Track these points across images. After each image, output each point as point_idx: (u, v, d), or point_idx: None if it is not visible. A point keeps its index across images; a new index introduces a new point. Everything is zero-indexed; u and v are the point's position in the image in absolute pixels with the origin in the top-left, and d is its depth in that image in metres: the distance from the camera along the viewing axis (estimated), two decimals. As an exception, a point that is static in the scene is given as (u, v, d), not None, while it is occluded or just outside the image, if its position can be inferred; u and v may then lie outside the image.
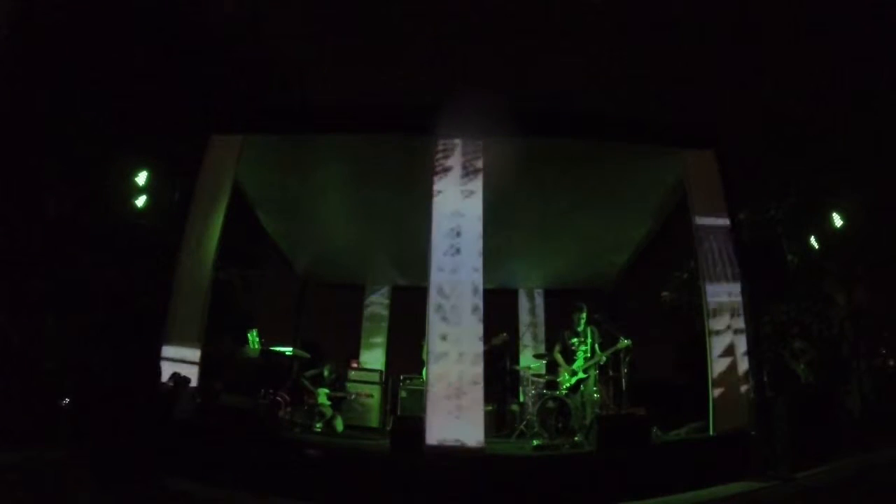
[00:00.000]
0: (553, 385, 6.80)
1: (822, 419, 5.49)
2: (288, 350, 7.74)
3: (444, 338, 5.32)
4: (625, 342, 6.30)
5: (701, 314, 5.78)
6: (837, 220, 9.82)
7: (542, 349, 9.15)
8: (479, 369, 5.23)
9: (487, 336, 5.73)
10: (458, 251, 5.57)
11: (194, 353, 5.49)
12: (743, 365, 5.45)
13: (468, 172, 5.84)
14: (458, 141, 5.95)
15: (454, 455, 4.83)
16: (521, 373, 8.31)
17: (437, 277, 5.50)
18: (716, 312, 5.65)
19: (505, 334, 7.91)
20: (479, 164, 5.86)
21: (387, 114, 6.41)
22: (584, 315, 6.45)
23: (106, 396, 5.33)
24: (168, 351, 5.49)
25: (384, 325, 10.09)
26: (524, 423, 6.98)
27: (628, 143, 6.31)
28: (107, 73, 9.49)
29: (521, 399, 8.24)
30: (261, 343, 7.23)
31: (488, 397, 5.78)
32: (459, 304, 5.41)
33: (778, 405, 5.39)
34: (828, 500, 4.34)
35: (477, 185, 5.79)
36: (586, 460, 5.02)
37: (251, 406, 6.00)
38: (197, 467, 4.54)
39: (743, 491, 4.46)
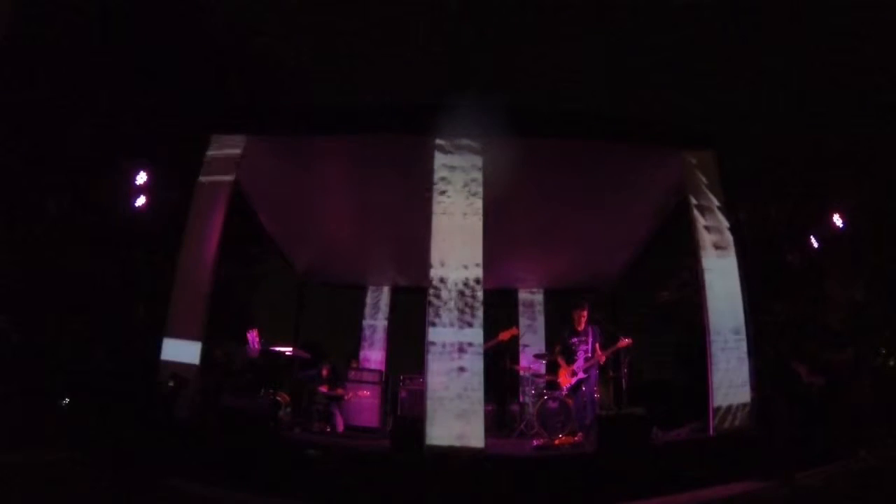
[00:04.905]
0: (553, 385, 6.80)
1: (822, 419, 5.48)
2: (288, 350, 7.74)
3: (443, 337, 5.32)
4: (625, 342, 6.31)
5: (701, 314, 5.78)
6: (837, 220, 9.82)
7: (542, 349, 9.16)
8: (479, 369, 5.23)
9: (487, 336, 5.72)
10: (458, 248, 5.57)
11: (194, 353, 5.49)
12: (743, 365, 5.45)
13: (469, 171, 5.84)
14: (457, 141, 5.95)
15: (454, 455, 4.83)
16: (521, 373, 8.31)
17: (436, 276, 5.50)
18: (716, 311, 5.65)
19: (515, 328, 7.88)
20: (480, 163, 5.87)
21: (387, 114, 6.41)
22: (585, 314, 6.45)
23: (106, 396, 5.33)
24: (168, 351, 5.49)
25: (384, 324, 10.09)
26: (524, 423, 6.98)
27: (628, 143, 6.31)
28: (107, 73, 9.50)
29: (521, 399, 8.25)
30: (261, 343, 7.23)
31: (488, 397, 5.78)
32: (459, 303, 5.41)
33: (778, 405, 5.39)
34: (828, 501, 4.33)
35: (477, 184, 5.79)
36: (586, 460, 5.02)
37: (251, 406, 6.00)
38: (197, 467, 4.53)
39: (743, 491, 4.45)
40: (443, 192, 5.76)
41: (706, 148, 6.25)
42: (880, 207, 11.31)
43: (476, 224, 5.64)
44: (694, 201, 6.04)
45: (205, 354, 5.60)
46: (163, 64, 10.07)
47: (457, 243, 5.59)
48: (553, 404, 6.24)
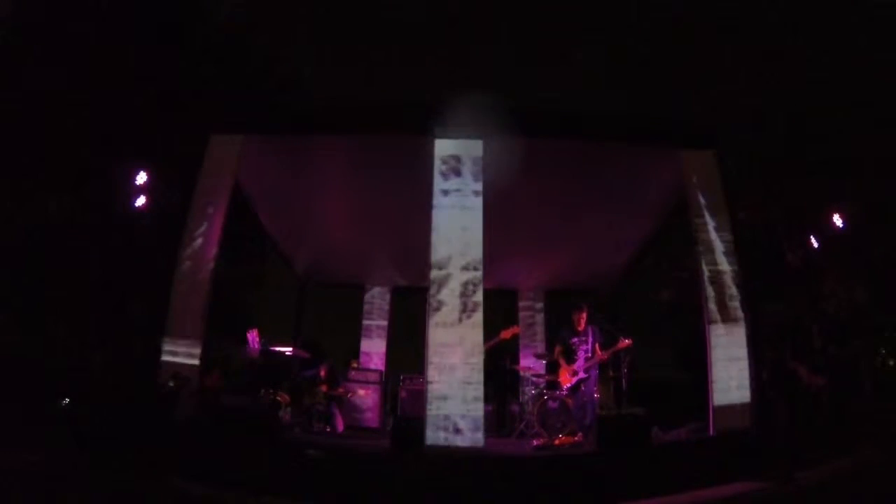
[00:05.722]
0: (553, 385, 6.80)
1: (823, 419, 5.49)
2: (288, 350, 7.74)
3: (443, 337, 5.32)
4: (625, 342, 6.31)
5: (701, 314, 5.78)
6: (837, 220, 9.82)
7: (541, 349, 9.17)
8: (479, 368, 5.23)
9: (487, 335, 5.73)
10: (458, 248, 5.57)
11: (194, 354, 5.49)
12: (743, 365, 5.45)
13: (469, 171, 5.84)
14: (457, 140, 5.95)
15: (454, 455, 4.84)
16: (521, 373, 8.31)
17: (436, 276, 5.50)
18: (716, 312, 5.65)
19: (516, 326, 7.86)
20: (480, 163, 5.86)
21: (387, 114, 6.41)
22: (584, 315, 6.45)
23: (106, 396, 5.33)
24: (168, 351, 5.49)
25: (384, 325, 10.09)
26: (524, 423, 6.98)
27: (628, 143, 6.30)
28: (108, 73, 9.50)
29: (521, 399, 8.25)
30: (261, 343, 7.23)
31: (488, 397, 5.78)
32: (459, 302, 5.41)
33: (778, 405, 5.39)
34: (828, 500, 4.34)
35: (477, 183, 5.79)
36: (586, 460, 5.02)
37: (251, 406, 6.00)
38: (197, 467, 4.54)
39: (743, 491, 4.45)
40: (443, 192, 5.77)
41: (706, 148, 6.25)
42: (880, 207, 11.31)
43: (476, 223, 5.65)
44: (694, 201, 6.04)
45: (204, 354, 5.60)
46: (163, 64, 10.07)
47: (457, 243, 5.59)
48: (553, 404, 6.23)
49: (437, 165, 5.86)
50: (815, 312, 11.74)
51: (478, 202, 5.73)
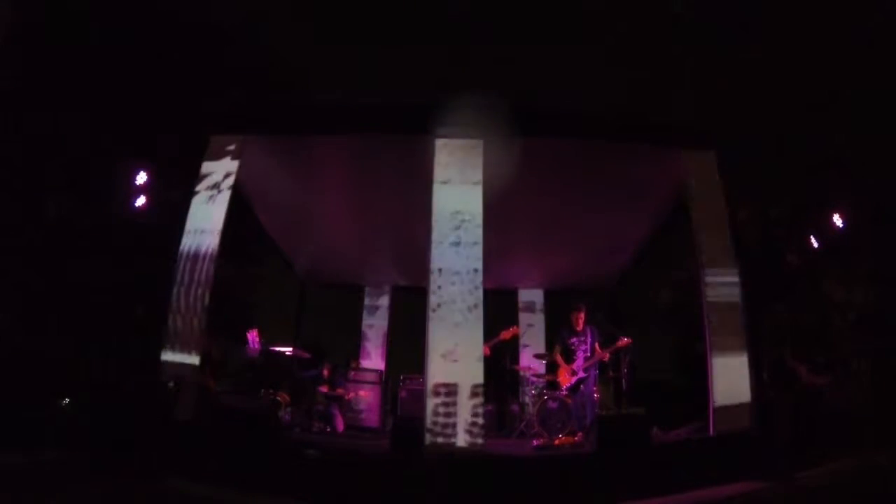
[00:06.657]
0: (553, 385, 6.81)
1: (822, 419, 5.48)
2: (288, 350, 7.74)
3: (443, 336, 5.31)
4: (624, 341, 6.32)
5: (701, 314, 5.78)
6: (838, 220, 9.81)
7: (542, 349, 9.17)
8: (479, 369, 5.23)
9: (487, 335, 5.73)
10: (458, 249, 5.57)
11: (194, 354, 5.49)
12: (743, 365, 5.45)
13: (469, 171, 5.84)
14: (457, 140, 5.95)
15: (454, 455, 4.84)
16: (521, 373, 8.31)
17: (436, 275, 5.50)
18: (716, 312, 5.65)
19: (516, 327, 7.87)
20: (480, 162, 5.87)
21: (387, 114, 6.41)
22: (583, 315, 6.47)
23: (106, 396, 5.34)
24: (168, 351, 5.49)
25: (384, 324, 10.09)
26: (524, 423, 6.98)
27: (628, 143, 6.31)
28: (107, 73, 9.50)
29: (521, 399, 8.26)
30: (261, 343, 7.23)
31: (488, 397, 5.78)
32: (459, 302, 5.41)
33: (778, 405, 5.39)
34: (828, 500, 4.33)
35: (477, 183, 5.79)
36: (586, 460, 5.02)
37: (251, 406, 6.00)
38: (197, 467, 4.54)
39: (743, 491, 4.45)
40: (443, 192, 5.76)
41: (706, 148, 6.25)
42: (881, 207, 11.30)
43: (476, 223, 5.65)
44: (694, 201, 6.04)
45: (205, 354, 5.60)
46: (163, 63, 10.07)
47: (456, 243, 5.59)
48: (553, 404, 6.24)
49: (437, 165, 5.86)
50: (816, 312, 11.73)
51: (478, 198, 5.72)
